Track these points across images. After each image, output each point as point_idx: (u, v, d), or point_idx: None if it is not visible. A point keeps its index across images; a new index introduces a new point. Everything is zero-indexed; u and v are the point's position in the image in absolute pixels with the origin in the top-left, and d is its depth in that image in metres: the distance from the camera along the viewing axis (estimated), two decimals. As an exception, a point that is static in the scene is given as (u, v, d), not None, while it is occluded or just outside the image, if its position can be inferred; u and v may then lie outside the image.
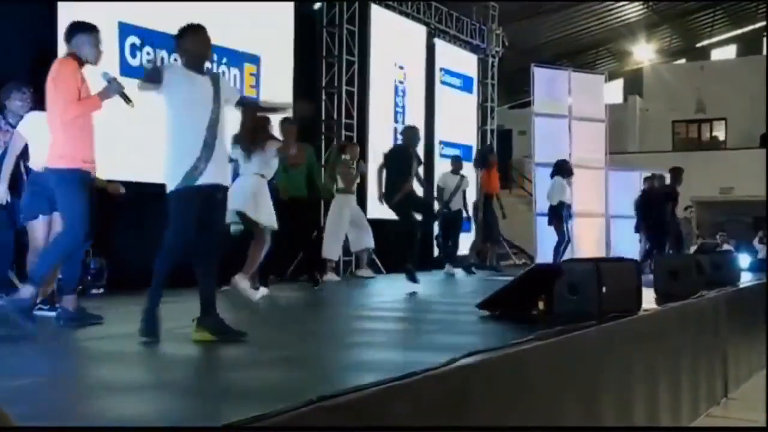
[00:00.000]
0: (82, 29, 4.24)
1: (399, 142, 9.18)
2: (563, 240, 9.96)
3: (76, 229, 4.03)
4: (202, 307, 3.75)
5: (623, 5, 19.71)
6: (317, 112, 9.62)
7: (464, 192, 9.78)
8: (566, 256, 9.43)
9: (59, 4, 6.25)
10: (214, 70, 4.14)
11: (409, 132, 7.75)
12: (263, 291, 6.00)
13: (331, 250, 8.34)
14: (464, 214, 9.84)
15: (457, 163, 9.86)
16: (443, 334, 4.13)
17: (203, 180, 3.73)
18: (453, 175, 9.71)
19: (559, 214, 9.95)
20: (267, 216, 5.87)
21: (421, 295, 6.71)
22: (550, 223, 10.05)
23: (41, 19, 6.19)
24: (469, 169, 10.98)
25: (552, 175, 10.23)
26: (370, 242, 8.64)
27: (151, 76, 3.92)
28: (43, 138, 4.26)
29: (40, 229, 4.65)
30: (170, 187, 3.74)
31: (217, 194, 3.83)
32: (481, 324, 4.54)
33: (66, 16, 6.28)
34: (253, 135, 5.90)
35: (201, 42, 3.96)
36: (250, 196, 5.78)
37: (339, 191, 8.30)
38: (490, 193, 10.25)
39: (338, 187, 8.28)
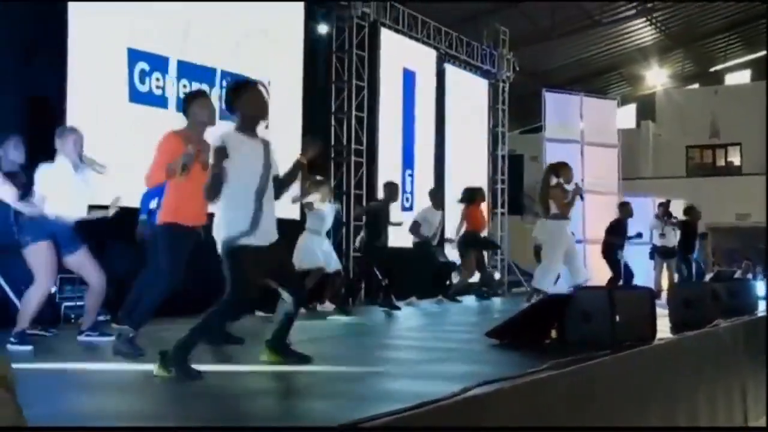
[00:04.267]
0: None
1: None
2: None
3: (174, 275, 4.28)
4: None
5: (636, 29, 19.84)
6: (327, 137, 9.70)
7: (443, 228, 9.64)
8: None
9: (69, 27, 6.36)
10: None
11: (388, 189, 8.36)
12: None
13: (546, 280, 7.73)
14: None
15: (438, 197, 9.54)
16: (454, 363, 4.13)
17: (251, 242, 3.73)
18: (436, 211, 9.33)
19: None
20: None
21: (425, 323, 6.73)
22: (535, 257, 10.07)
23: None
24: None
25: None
26: (585, 274, 7.96)
27: (220, 159, 3.72)
28: (53, 188, 4.69)
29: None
30: (223, 247, 3.77)
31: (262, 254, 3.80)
32: (492, 353, 4.54)
33: (76, 41, 6.43)
34: None
35: (256, 102, 3.91)
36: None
37: (552, 217, 7.74)
38: (475, 230, 9.80)
39: (551, 213, 7.75)
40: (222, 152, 3.69)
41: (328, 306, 7.97)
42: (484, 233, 10.58)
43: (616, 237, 9.97)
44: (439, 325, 7.29)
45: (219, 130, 3.95)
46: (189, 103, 4.46)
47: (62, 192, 4.88)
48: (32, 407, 1.85)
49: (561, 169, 7.93)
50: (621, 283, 9.63)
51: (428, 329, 6.83)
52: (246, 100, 3.88)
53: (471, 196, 9.81)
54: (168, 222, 4.35)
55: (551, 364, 3.56)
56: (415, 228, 9.17)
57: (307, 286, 7.70)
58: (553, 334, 4.73)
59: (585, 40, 19.31)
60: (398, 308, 8.08)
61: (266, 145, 3.93)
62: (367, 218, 8.53)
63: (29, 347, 4.63)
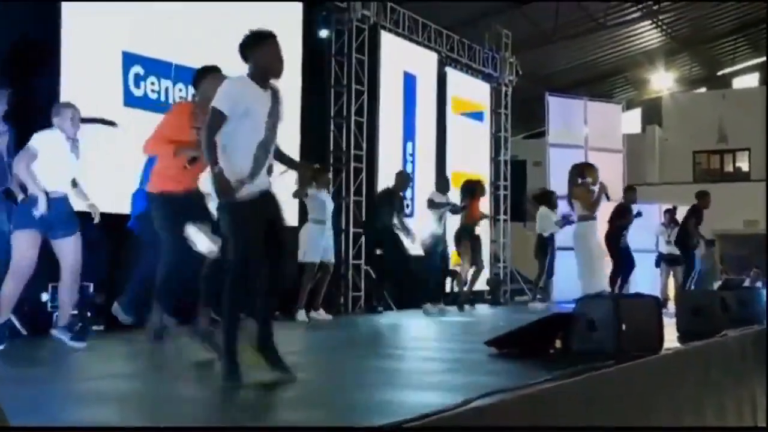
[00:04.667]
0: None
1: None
2: (542, 273, 10.26)
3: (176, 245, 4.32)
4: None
5: (641, 32, 19.89)
6: (325, 143, 9.74)
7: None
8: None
9: (62, 28, 6.39)
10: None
11: (399, 177, 8.65)
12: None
13: (593, 282, 7.66)
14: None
15: (442, 182, 9.72)
16: (456, 374, 4.14)
17: (249, 190, 3.70)
18: (442, 195, 9.52)
19: (541, 247, 10.02)
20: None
21: (429, 332, 6.75)
22: (534, 256, 10.26)
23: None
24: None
25: (535, 200, 10.43)
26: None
27: (217, 123, 3.74)
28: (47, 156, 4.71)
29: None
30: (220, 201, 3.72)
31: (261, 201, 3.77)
32: (494, 363, 4.55)
33: (69, 44, 6.46)
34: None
35: (269, 54, 3.89)
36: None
37: (579, 219, 7.83)
38: (471, 223, 9.90)
39: (579, 214, 7.83)
40: (220, 118, 3.69)
41: (322, 314, 7.97)
42: (481, 228, 10.59)
43: (621, 220, 9.94)
44: (439, 333, 7.31)
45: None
46: (200, 77, 4.41)
47: (55, 163, 4.89)
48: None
49: (586, 169, 8.06)
50: (622, 277, 9.65)
51: (428, 338, 6.84)
52: (262, 51, 3.86)
53: (473, 191, 9.88)
54: (163, 191, 4.35)
55: (555, 374, 3.57)
56: (430, 203, 9.31)
57: (304, 286, 7.82)
58: (558, 344, 4.74)
59: (589, 43, 19.36)
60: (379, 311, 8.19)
61: (275, 94, 3.93)
62: (379, 203, 8.64)
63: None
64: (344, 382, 4.01)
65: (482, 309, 10.16)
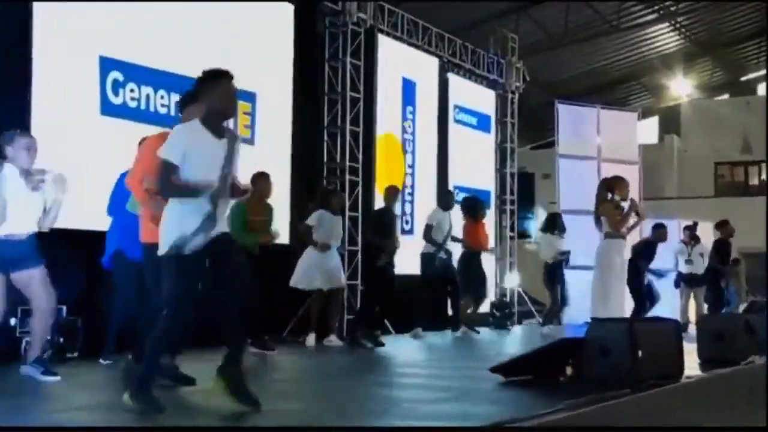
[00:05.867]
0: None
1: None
2: (556, 304, 10.27)
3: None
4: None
5: (658, 35, 20.00)
6: (318, 154, 9.75)
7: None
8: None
9: (34, 31, 6.40)
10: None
11: (388, 192, 8.67)
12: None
13: (608, 307, 7.57)
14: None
15: (446, 198, 9.67)
16: (458, 403, 4.12)
17: (197, 243, 3.76)
18: (443, 212, 9.42)
19: (550, 275, 10.09)
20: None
21: (431, 357, 6.73)
22: (544, 284, 10.31)
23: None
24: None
25: (542, 231, 10.47)
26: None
27: (168, 174, 3.82)
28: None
29: None
30: (161, 251, 3.79)
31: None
32: (501, 391, 4.54)
33: (42, 47, 6.47)
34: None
35: (222, 95, 3.90)
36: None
37: (605, 236, 7.77)
38: (478, 249, 9.85)
39: (604, 231, 7.78)
40: (171, 169, 3.77)
41: (334, 340, 7.97)
42: (488, 256, 10.62)
43: (644, 260, 9.94)
44: (442, 360, 7.29)
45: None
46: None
47: (13, 206, 4.86)
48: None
49: (616, 184, 8.05)
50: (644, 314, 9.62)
51: (430, 364, 6.82)
52: (217, 91, 3.89)
53: (472, 210, 9.86)
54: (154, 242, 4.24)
55: (566, 404, 3.56)
56: (427, 233, 9.24)
57: (312, 311, 7.89)
58: (568, 370, 4.73)
59: (602, 47, 19.47)
60: (381, 344, 7.85)
61: (232, 141, 3.93)
62: (371, 225, 8.65)
63: None
64: (339, 412, 3.99)
65: (486, 333, 10.13)
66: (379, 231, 8.31)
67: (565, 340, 5.26)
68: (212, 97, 3.89)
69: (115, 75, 7.08)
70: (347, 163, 9.93)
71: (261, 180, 6.94)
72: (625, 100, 23.01)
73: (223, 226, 3.91)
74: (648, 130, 22.96)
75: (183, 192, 3.78)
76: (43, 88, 6.46)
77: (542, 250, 10.34)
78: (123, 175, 5.30)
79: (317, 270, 7.83)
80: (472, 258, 9.76)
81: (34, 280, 4.94)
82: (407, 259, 9.17)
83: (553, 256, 10.11)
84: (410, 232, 10.58)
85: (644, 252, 10.03)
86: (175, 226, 3.75)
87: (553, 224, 10.41)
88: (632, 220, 7.88)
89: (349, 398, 4.55)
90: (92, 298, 6.46)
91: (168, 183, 3.80)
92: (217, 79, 3.91)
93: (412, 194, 11.11)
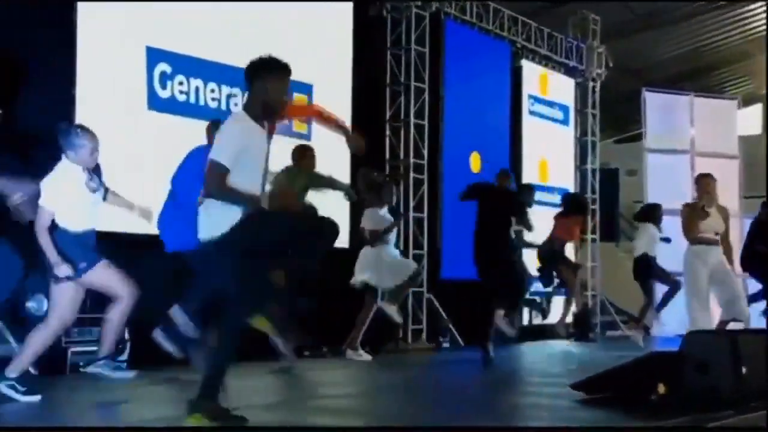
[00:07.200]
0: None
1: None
2: (649, 301, 10.10)
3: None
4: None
5: (762, 11, 19.47)
6: (380, 150, 9.74)
7: None
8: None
9: (78, 20, 6.54)
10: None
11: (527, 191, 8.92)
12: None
13: (694, 318, 7.64)
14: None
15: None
16: (535, 422, 4.06)
17: None
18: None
19: (643, 269, 9.89)
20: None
21: (503, 373, 6.72)
22: (635, 278, 10.09)
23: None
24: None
25: (638, 219, 10.35)
26: (742, 312, 7.86)
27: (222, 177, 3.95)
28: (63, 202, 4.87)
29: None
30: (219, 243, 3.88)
31: None
32: (584, 411, 4.50)
33: (85, 37, 6.61)
34: None
35: (281, 91, 4.02)
36: None
37: (690, 242, 7.77)
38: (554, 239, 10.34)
39: (689, 237, 7.78)
40: (223, 172, 3.84)
41: (363, 354, 7.84)
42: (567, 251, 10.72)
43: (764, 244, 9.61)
44: (517, 374, 7.21)
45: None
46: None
47: (73, 205, 4.97)
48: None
49: (697, 182, 8.13)
50: None
51: (498, 380, 6.75)
52: (269, 83, 3.97)
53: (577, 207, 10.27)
54: None
55: (659, 426, 3.47)
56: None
57: (361, 321, 7.83)
58: (660, 389, 4.62)
59: (695, 27, 19.02)
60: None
61: (270, 134, 4.08)
62: (519, 207, 8.34)
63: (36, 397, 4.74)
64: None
65: (566, 345, 10.01)
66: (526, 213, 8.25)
67: (656, 354, 5.17)
68: (262, 88, 3.97)
69: (163, 67, 7.20)
70: (411, 159, 9.93)
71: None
72: (722, 87, 22.48)
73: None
74: (750, 120, 22.39)
75: (231, 200, 3.87)
76: (87, 82, 6.59)
77: (637, 240, 10.15)
78: (196, 151, 5.55)
79: (368, 265, 7.85)
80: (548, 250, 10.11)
81: (110, 269, 5.11)
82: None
83: (648, 245, 9.90)
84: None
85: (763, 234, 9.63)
86: (220, 223, 3.85)
87: (653, 214, 10.19)
88: (703, 225, 7.68)
89: (401, 418, 4.51)
90: (142, 304, 6.55)
91: (218, 188, 3.86)
92: (273, 69, 3.98)
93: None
